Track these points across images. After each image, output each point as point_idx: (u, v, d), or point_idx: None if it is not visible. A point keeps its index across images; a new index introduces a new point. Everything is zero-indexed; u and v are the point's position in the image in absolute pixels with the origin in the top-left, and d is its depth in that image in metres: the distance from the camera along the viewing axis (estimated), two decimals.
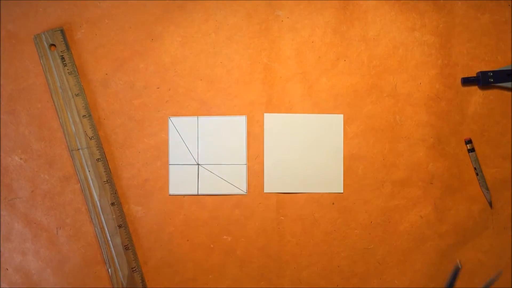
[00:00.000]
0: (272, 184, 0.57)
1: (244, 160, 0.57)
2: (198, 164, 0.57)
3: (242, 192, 0.57)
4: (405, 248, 0.57)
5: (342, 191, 0.57)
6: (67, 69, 0.56)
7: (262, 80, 0.58)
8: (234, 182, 0.57)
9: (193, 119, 0.57)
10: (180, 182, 0.57)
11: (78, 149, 0.56)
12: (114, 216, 0.55)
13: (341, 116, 0.58)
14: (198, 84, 0.58)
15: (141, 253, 0.57)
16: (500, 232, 0.57)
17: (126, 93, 0.58)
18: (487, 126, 0.58)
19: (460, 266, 0.38)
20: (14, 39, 0.58)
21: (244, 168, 0.57)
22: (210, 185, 0.57)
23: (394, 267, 0.57)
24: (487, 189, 0.57)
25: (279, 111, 0.58)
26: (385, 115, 0.58)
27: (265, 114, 0.57)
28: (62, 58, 0.57)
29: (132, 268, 0.55)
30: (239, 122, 0.57)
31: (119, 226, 0.55)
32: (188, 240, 0.57)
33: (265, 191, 0.57)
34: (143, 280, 0.56)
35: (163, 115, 0.58)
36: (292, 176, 0.57)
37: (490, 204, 0.57)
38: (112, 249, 0.55)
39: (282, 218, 0.57)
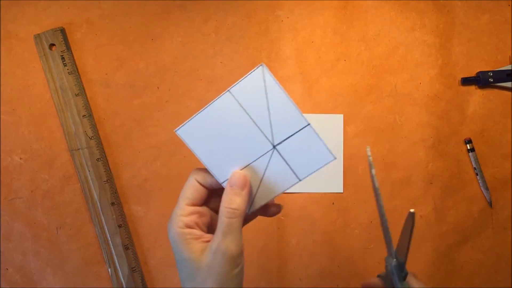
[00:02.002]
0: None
1: None
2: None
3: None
4: None
5: (342, 191, 0.57)
6: (67, 69, 0.56)
7: None
8: None
9: None
10: None
11: (78, 149, 0.56)
12: (114, 216, 0.55)
13: (341, 116, 0.58)
14: (198, 84, 0.58)
15: (141, 253, 0.57)
16: (500, 232, 0.57)
17: (126, 93, 0.58)
18: (487, 126, 0.58)
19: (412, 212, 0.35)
20: (14, 39, 0.58)
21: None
22: None
23: None
24: (487, 189, 0.57)
25: None
26: (385, 115, 0.58)
27: None
28: (62, 58, 0.57)
29: (132, 268, 0.55)
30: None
31: (119, 226, 0.55)
32: None
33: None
34: (143, 280, 0.56)
35: (163, 115, 0.58)
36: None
37: (490, 204, 0.57)
38: (112, 249, 0.55)
39: (282, 218, 0.57)
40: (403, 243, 0.37)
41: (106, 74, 0.58)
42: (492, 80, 0.57)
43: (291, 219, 0.57)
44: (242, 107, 0.37)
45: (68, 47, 0.57)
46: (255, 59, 0.58)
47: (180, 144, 0.57)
